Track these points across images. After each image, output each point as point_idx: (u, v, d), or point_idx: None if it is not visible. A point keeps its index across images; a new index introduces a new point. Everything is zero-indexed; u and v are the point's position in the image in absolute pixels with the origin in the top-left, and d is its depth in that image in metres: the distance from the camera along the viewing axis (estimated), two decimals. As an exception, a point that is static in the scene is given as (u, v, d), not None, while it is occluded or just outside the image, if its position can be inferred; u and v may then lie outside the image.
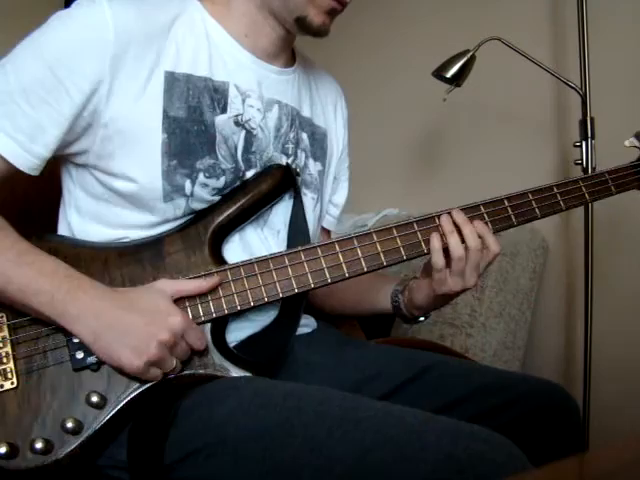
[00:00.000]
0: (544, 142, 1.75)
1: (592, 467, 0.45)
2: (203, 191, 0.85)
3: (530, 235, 1.69)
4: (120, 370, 0.77)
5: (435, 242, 0.89)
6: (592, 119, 1.45)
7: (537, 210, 0.94)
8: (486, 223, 0.92)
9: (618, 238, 1.61)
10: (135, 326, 0.76)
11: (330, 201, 1.11)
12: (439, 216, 0.91)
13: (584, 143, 1.45)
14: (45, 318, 0.77)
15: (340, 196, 1.14)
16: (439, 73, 1.48)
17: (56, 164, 0.89)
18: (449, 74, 1.46)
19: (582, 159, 1.45)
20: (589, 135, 1.44)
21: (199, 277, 0.83)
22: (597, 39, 1.49)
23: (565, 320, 1.74)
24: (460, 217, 0.90)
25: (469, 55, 1.46)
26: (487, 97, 1.81)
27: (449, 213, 0.90)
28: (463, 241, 0.89)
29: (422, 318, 1.02)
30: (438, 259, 0.89)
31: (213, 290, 0.82)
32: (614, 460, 0.44)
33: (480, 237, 0.89)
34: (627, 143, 1.07)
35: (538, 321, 1.74)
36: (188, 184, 0.84)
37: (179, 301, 0.81)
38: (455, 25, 1.88)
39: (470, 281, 0.90)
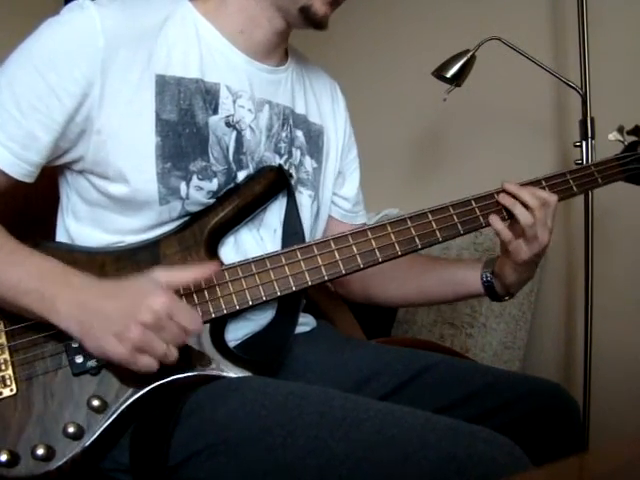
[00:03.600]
0: (544, 142, 1.75)
1: (592, 467, 0.45)
2: (198, 194, 0.85)
3: (530, 235, 1.69)
4: (117, 369, 0.76)
5: (497, 223, 0.95)
6: (592, 119, 1.44)
7: None
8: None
9: (618, 238, 1.61)
10: (115, 311, 0.72)
11: (338, 194, 1.10)
12: (436, 218, 0.93)
13: (584, 143, 1.45)
14: (37, 318, 0.76)
15: (349, 189, 1.13)
16: (439, 73, 1.48)
17: (55, 169, 0.89)
18: (449, 74, 1.46)
19: (582, 159, 1.45)
20: (589, 135, 1.44)
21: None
22: (597, 39, 1.49)
23: (565, 320, 1.74)
24: (512, 187, 0.95)
25: (469, 55, 1.45)
26: (487, 97, 1.81)
27: (503, 190, 0.96)
28: (525, 206, 0.93)
29: (507, 297, 1.05)
30: (506, 235, 0.94)
31: (211, 290, 0.82)
32: (614, 460, 0.44)
33: (534, 196, 0.94)
34: (611, 137, 1.11)
35: (538, 321, 1.74)
36: (183, 186, 0.84)
37: None
38: (455, 25, 1.88)
39: (544, 239, 0.94)
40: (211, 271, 0.78)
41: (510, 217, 0.95)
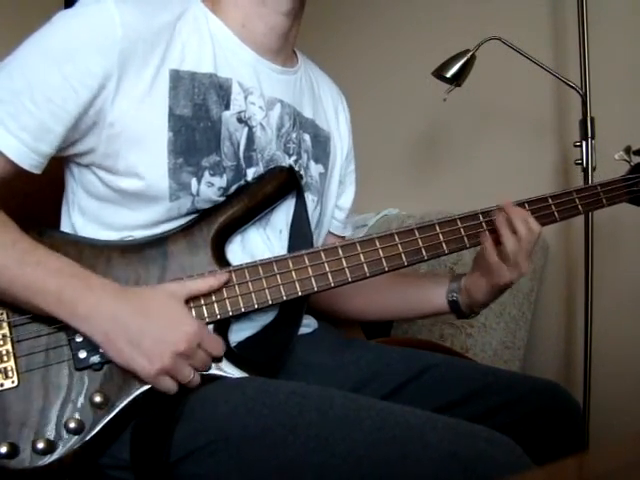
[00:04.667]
0: (544, 142, 1.74)
1: (592, 467, 0.45)
2: (209, 190, 0.85)
3: (530, 235, 1.69)
4: (128, 371, 0.76)
5: (487, 242, 0.93)
6: (592, 119, 1.45)
7: None
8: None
9: (618, 238, 1.61)
10: (150, 333, 0.75)
11: (336, 205, 1.11)
12: (445, 230, 0.93)
13: (584, 143, 1.45)
14: (53, 317, 0.76)
15: (346, 200, 1.14)
16: (439, 73, 1.49)
17: (57, 162, 0.89)
18: (449, 74, 1.46)
19: (582, 159, 1.45)
20: (589, 135, 1.44)
21: (208, 275, 0.82)
22: (597, 39, 1.49)
23: (565, 320, 1.74)
24: (510, 208, 0.93)
25: (469, 55, 1.46)
26: (487, 97, 1.81)
27: (500, 208, 0.94)
28: (513, 231, 0.92)
29: (472, 315, 1.05)
30: (492, 256, 0.93)
31: (218, 292, 0.82)
32: (614, 460, 0.44)
33: (524, 222, 0.93)
34: (617, 157, 1.11)
35: (538, 321, 1.74)
36: (194, 182, 0.84)
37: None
38: (455, 25, 1.88)
39: (524, 267, 0.93)
40: (224, 280, 0.82)
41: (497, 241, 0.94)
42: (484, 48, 1.46)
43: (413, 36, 2.01)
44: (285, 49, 0.96)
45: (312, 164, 1.00)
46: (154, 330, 0.75)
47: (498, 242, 0.94)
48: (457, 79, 1.47)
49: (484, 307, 1.03)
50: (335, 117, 1.09)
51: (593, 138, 1.44)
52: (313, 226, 0.99)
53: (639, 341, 1.57)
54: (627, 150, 1.11)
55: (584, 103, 1.46)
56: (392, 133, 2.06)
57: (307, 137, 1.00)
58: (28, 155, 0.80)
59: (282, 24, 0.91)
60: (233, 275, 0.84)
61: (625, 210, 1.54)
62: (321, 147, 1.03)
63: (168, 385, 0.76)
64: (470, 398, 0.91)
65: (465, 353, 1.52)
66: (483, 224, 0.95)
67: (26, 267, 0.76)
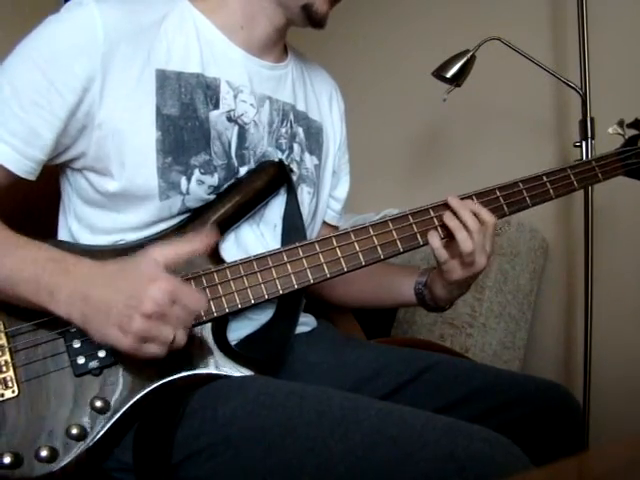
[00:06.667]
0: (544, 142, 1.75)
1: (592, 467, 0.45)
2: (199, 189, 0.85)
3: (530, 235, 1.69)
4: (119, 370, 0.76)
5: (435, 240, 0.90)
6: (592, 119, 1.44)
7: (528, 199, 0.96)
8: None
9: (618, 238, 1.61)
10: (116, 303, 0.70)
11: (331, 196, 1.11)
12: (438, 214, 0.92)
13: (584, 143, 1.45)
14: (35, 307, 0.75)
15: (341, 191, 1.15)
16: (439, 73, 1.48)
17: (56, 168, 0.89)
18: (449, 74, 1.46)
19: (582, 159, 1.45)
20: (589, 135, 1.44)
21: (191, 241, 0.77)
22: (597, 39, 1.49)
23: (565, 320, 1.74)
24: (454, 202, 0.91)
25: (469, 55, 1.46)
26: (487, 97, 1.81)
27: (445, 204, 0.91)
28: (465, 228, 0.89)
29: (443, 308, 1.03)
30: (441, 254, 0.90)
31: (213, 289, 0.82)
32: (614, 460, 0.44)
33: (475, 215, 0.90)
34: (610, 130, 1.10)
35: (538, 321, 1.74)
36: (184, 181, 0.84)
37: None
38: (455, 25, 1.88)
39: (481, 264, 0.90)
40: (209, 240, 0.76)
41: (449, 236, 0.91)
42: (484, 48, 1.46)
43: (413, 36, 2.01)
44: (279, 45, 0.97)
45: (307, 156, 1.00)
46: (119, 299, 0.70)
47: (448, 239, 0.91)
48: (457, 79, 1.47)
49: (448, 302, 1.01)
50: (329, 107, 1.09)
51: (593, 138, 1.44)
52: (309, 218, 1.00)
53: (639, 341, 1.57)
54: (620, 123, 1.10)
55: (584, 103, 1.46)
56: (392, 133, 2.06)
57: (300, 130, 1.00)
58: (20, 161, 0.80)
59: (276, 36, 0.93)
60: (228, 271, 0.83)
61: (625, 209, 1.54)
62: (314, 139, 1.03)
63: (151, 350, 0.71)
64: (470, 398, 0.91)
65: (465, 353, 1.52)
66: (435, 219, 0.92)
67: (5, 258, 0.76)
